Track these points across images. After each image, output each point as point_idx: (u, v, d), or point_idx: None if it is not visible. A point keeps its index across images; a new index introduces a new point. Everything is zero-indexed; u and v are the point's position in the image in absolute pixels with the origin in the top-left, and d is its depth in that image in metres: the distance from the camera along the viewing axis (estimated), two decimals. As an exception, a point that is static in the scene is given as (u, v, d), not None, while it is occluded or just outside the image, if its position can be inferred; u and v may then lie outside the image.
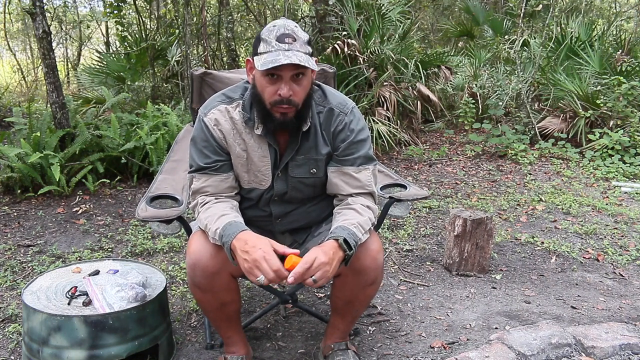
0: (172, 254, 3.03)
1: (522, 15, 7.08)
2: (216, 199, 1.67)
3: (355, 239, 1.53)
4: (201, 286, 1.65)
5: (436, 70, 6.58)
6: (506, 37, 7.43)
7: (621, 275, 2.86)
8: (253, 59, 1.54)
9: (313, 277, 1.44)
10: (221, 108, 1.67)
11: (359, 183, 1.68)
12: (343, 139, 1.68)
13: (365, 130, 1.71)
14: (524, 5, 7.04)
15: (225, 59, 7.72)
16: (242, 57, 8.67)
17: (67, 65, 10.09)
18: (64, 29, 9.78)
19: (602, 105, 5.63)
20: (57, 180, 3.78)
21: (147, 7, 7.72)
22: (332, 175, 1.70)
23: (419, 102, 6.00)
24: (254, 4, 9.03)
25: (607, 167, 5.05)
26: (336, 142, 1.69)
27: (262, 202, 1.76)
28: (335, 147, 1.69)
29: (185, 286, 2.60)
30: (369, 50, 5.81)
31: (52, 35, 4.31)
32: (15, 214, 3.63)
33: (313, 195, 1.78)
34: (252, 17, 8.94)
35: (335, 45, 5.57)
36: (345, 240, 1.50)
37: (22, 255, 2.99)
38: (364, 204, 1.66)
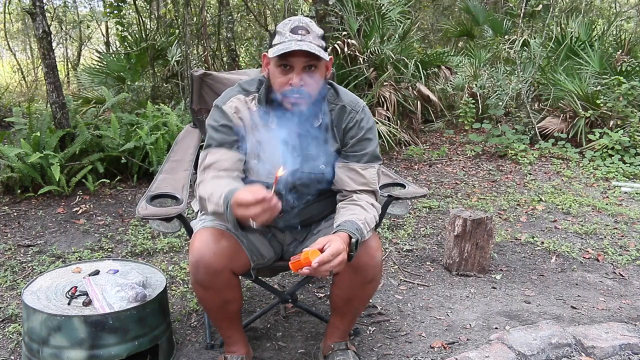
0: (172, 254, 3.03)
1: (522, 15, 7.08)
2: (227, 175, 1.64)
3: (361, 236, 1.55)
4: (204, 284, 1.65)
5: (436, 70, 6.58)
6: (506, 37, 7.43)
7: (621, 275, 2.86)
8: (268, 53, 1.59)
9: (331, 263, 1.41)
10: (240, 97, 1.70)
11: (364, 180, 1.71)
12: (352, 136, 1.71)
13: (374, 129, 1.75)
14: (524, 5, 7.04)
15: (225, 59, 7.72)
16: (242, 57, 8.67)
17: (67, 65, 10.08)
18: (64, 29, 9.78)
19: (602, 105, 5.63)
20: (57, 180, 3.78)
21: (147, 7, 7.72)
22: (339, 171, 1.73)
23: (419, 102, 6.00)
24: (254, 4, 9.03)
25: (607, 167, 5.05)
26: (346, 139, 1.72)
27: None
28: (345, 143, 1.73)
29: (186, 286, 2.60)
30: (369, 50, 5.81)
31: (52, 35, 4.31)
32: (15, 214, 3.63)
33: (319, 192, 1.79)
34: (252, 17, 8.94)
35: (336, 45, 5.57)
36: (356, 240, 1.52)
37: (22, 255, 2.99)
38: (369, 201, 1.69)
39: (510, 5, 8.01)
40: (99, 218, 3.59)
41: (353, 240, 1.51)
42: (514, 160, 5.39)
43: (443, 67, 6.67)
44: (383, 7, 6.21)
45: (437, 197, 4.22)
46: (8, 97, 8.25)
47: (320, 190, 1.78)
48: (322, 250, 1.42)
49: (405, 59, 5.99)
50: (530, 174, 4.96)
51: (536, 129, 5.94)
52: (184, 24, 6.12)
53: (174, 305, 2.42)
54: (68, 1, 9.41)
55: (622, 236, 3.41)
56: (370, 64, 5.81)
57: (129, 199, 4.01)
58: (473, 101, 6.10)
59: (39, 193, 3.82)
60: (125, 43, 6.59)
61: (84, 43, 10.34)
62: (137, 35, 6.75)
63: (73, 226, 3.43)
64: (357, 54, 5.66)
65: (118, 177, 4.25)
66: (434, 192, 4.35)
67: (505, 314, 2.39)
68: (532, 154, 5.46)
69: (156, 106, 5.03)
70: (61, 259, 2.92)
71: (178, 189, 1.99)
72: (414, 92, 6.00)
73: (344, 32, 5.84)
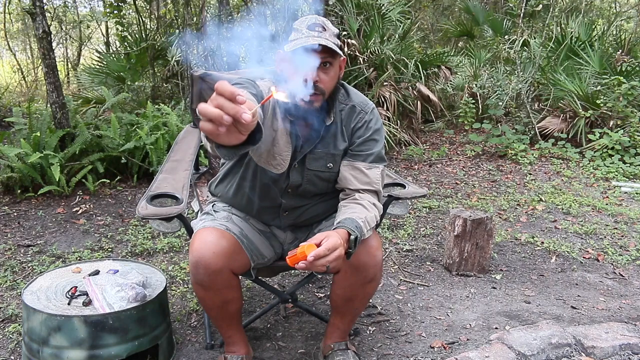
0: (172, 254, 3.03)
1: (522, 15, 7.08)
2: None
3: (360, 234, 1.55)
4: (204, 284, 1.65)
5: (436, 70, 6.58)
6: (506, 37, 7.42)
7: (621, 275, 2.86)
8: (283, 49, 1.57)
9: (328, 258, 1.39)
10: (266, 82, 1.60)
11: (368, 179, 1.71)
12: (360, 135, 1.73)
13: (381, 131, 1.77)
14: (524, 5, 7.04)
15: (225, 59, 7.71)
16: (242, 57, 8.66)
17: (67, 65, 10.08)
18: (64, 29, 9.78)
19: (602, 105, 5.63)
20: (57, 180, 3.78)
21: (147, 7, 7.71)
22: (344, 169, 1.73)
23: (419, 102, 6.00)
24: (254, 4, 9.02)
25: (607, 167, 5.05)
26: (353, 138, 1.73)
27: (275, 192, 1.76)
28: (352, 142, 1.73)
29: (185, 286, 2.60)
30: (369, 50, 5.81)
31: (52, 35, 4.31)
32: (15, 214, 3.63)
33: (325, 191, 1.79)
34: (252, 17, 8.93)
35: (335, 46, 5.57)
36: (355, 237, 1.51)
37: (22, 255, 2.99)
38: (371, 200, 1.69)
39: (510, 5, 8.00)
40: (99, 218, 3.59)
41: (352, 237, 1.51)
42: (514, 160, 5.39)
43: (443, 67, 6.67)
44: (383, 7, 6.22)
45: (437, 197, 4.22)
46: (8, 97, 8.24)
47: (326, 189, 1.78)
48: (319, 245, 1.42)
49: (405, 59, 5.99)
50: (530, 174, 4.96)
51: (536, 129, 5.94)
52: (184, 24, 6.11)
53: (174, 305, 2.42)
54: (68, 1, 9.41)
55: (622, 236, 3.41)
56: (370, 64, 5.81)
57: (129, 199, 4.01)
58: (473, 101, 6.10)
59: (39, 193, 3.82)
60: (125, 43, 6.59)
61: (84, 43, 10.33)
62: (137, 35, 6.75)
63: (73, 226, 3.43)
64: (357, 54, 5.67)
65: (118, 177, 4.25)
66: (434, 192, 4.35)
67: (505, 314, 2.39)
68: (532, 154, 5.46)
69: (156, 106, 5.03)
70: (61, 259, 2.92)
71: (178, 188, 1.99)
72: (414, 92, 6.00)
73: (344, 32, 5.84)
